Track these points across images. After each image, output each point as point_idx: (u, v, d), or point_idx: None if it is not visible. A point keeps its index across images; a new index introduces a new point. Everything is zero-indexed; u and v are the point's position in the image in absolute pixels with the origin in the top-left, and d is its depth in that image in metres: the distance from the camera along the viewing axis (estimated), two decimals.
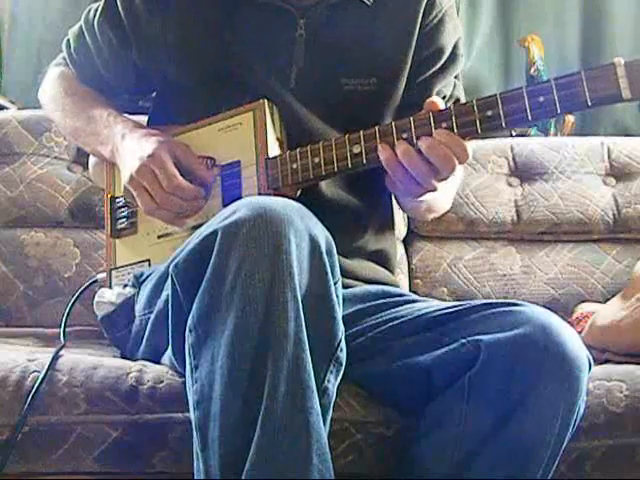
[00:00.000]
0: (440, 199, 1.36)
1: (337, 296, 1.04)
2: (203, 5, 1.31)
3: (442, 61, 1.35)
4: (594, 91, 1.04)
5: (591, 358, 1.09)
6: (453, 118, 1.11)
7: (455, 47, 1.36)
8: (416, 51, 1.32)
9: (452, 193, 1.45)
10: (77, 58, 1.42)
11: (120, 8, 1.34)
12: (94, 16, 1.38)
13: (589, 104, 1.05)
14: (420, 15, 1.32)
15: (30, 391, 1.15)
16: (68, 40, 1.44)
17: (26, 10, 2.31)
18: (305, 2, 1.29)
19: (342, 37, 1.30)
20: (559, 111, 1.07)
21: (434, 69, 1.35)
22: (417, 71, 1.34)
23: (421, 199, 1.22)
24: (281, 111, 1.27)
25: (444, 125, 1.11)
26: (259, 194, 1.22)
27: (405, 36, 1.32)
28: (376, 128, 1.15)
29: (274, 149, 1.25)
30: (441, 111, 1.12)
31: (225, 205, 1.22)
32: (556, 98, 1.06)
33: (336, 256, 1.05)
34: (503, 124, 1.09)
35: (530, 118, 1.08)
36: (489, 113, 1.09)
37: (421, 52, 1.33)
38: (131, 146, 1.26)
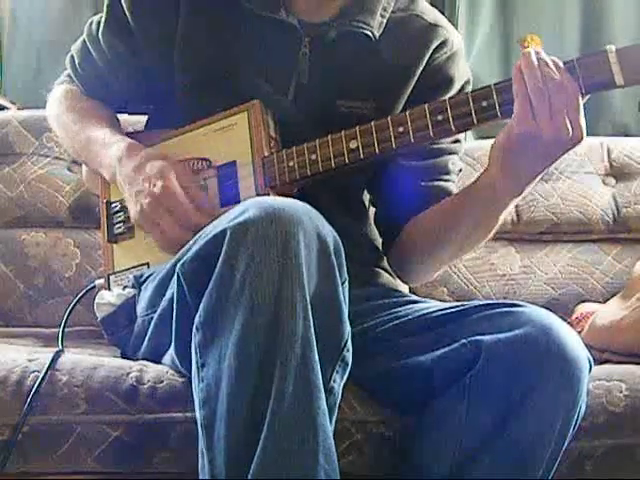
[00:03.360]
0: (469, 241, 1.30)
1: (344, 296, 1.04)
2: (211, 13, 1.30)
3: (447, 95, 1.29)
4: (587, 78, 1.05)
5: (591, 359, 1.09)
6: (449, 110, 1.11)
7: (462, 88, 1.35)
8: (419, 84, 1.31)
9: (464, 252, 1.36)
10: (82, 73, 1.41)
11: (126, 10, 1.33)
12: (97, 28, 1.38)
13: (582, 91, 1.05)
14: (430, 51, 1.32)
15: (30, 391, 1.15)
16: (72, 56, 1.43)
17: (26, 10, 2.31)
18: (312, 20, 1.29)
19: (345, 62, 1.29)
20: None
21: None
22: (418, 101, 1.25)
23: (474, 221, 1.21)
24: (274, 112, 1.27)
25: (440, 117, 1.11)
26: (257, 193, 1.21)
27: (408, 71, 1.31)
28: (372, 123, 1.15)
29: (269, 148, 1.24)
30: (436, 104, 1.12)
31: (223, 206, 1.23)
32: None
33: (343, 257, 1.05)
34: (499, 114, 1.09)
35: None
36: (484, 104, 1.09)
37: (425, 86, 1.31)
38: (130, 175, 1.23)
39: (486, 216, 1.22)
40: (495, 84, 1.10)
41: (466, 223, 1.25)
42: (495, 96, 1.09)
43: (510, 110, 1.08)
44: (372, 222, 1.42)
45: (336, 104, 1.29)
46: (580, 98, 1.06)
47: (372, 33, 1.29)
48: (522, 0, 2.35)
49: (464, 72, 1.36)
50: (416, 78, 1.32)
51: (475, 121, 1.10)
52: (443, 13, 1.45)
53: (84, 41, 1.41)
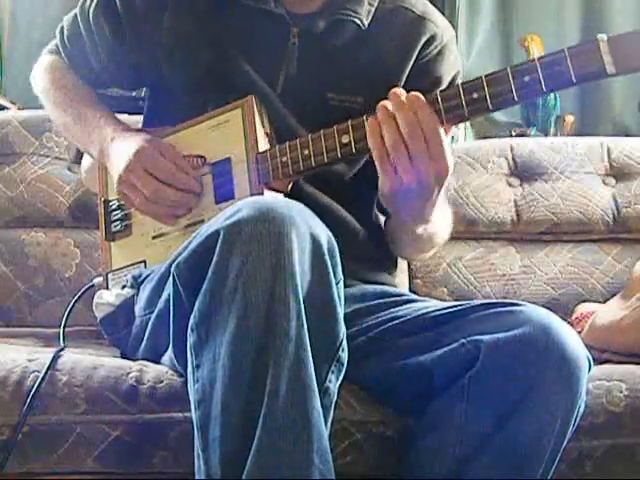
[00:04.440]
0: (430, 235, 1.32)
1: (339, 296, 1.04)
2: (198, 5, 1.31)
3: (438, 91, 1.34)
4: (578, 68, 1.04)
5: (591, 358, 1.09)
6: (440, 103, 1.10)
7: (453, 81, 1.36)
8: (411, 80, 1.31)
9: (441, 235, 1.38)
10: (70, 47, 1.42)
11: (118, 2, 1.34)
12: (90, 4, 1.38)
13: (574, 81, 1.04)
14: (418, 48, 1.32)
15: (30, 391, 1.15)
16: (62, 27, 1.44)
17: (26, 10, 2.32)
18: (300, 10, 1.29)
19: (334, 52, 1.30)
20: (544, 89, 1.06)
21: None
22: None
23: (418, 231, 1.23)
24: (267, 112, 1.28)
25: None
26: (251, 190, 1.22)
27: (398, 63, 1.32)
28: (364, 117, 1.15)
29: (263, 144, 1.25)
30: (427, 96, 1.11)
31: (217, 202, 1.23)
32: (541, 77, 1.05)
33: (338, 256, 1.05)
34: (490, 106, 1.09)
35: (516, 98, 1.07)
36: (475, 95, 1.09)
37: (417, 82, 1.30)
38: (119, 148, 1.27)
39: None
40: (486, 75, 1.09)
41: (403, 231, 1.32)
42: (486, 88, 1.08)
43: (501, 101, 1.08)
44: (372, 215, 1.41)
45: (326, 97, 1.29)
46: (441, 130, 1.08)
47: (361, 21, 1.30)
48: (522, 0, 2.36)
49: (453, 65, 1.37)
50: (405, 75, 1.32)
51: (466, 113, 1.09)
52: (443, 13, 1.44)
53: (75, 15, 1.42)
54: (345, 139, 1.16)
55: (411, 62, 1.32)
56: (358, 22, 1.29)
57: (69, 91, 1.40)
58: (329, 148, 1.18)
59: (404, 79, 1.32)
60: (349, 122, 1.16)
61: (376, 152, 1.10)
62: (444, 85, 1.34)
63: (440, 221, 1.29)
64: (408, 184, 1.09)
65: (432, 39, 1.33)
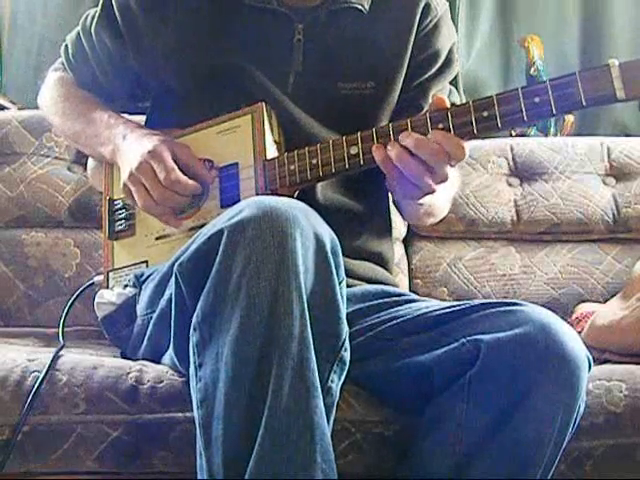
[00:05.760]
0: (438, 203, 1.36)
1: (342, 296, 1.04)
2: (200, 10, 1.32)
3: (438, 65, 1.37)
4: (589, 92, 1.05)
5: (591, 358, 1.09)
6: (449, 119, 1.11)
7: (450, 52, 1.38)
8: (412, 55, 1.34)
9: (450, 198, 1.44)
10: (75, 64, 1.44)
11: (117, 14, 1.35)
12: (91, 22, 1.40)
13: (584, 104, 1.06)
14: (416, 20, 1.34)
15: (30, 391, 1.15)
16: (66, 45, 1.46)
17: (26, 10, 2.31)
18: (302, 6, 1.30)
19: (339, 42, 1.31)
20: (554, 112, 1.08)
21: (430, 73, 1.36)
22: (413, 75, 1.35)
23: (420, 202, 1.23)
24: (278, 114, 1.28)
25: (440, 126, 1.11)
26: (257, 195, 1.22)
27: (401, 41, 1.33)
28: (373, 130, 1.16)
29: (272, 151, 1.25)
30: (438, 111, 1.12)
31: (223, 206, 1.24)
32: (551, 99, 1.07)
33: (341, 256, 1.05)
34: (499, 125, 1.10)
35: (525, 119, 1.09)
36: (485, 114, 1.10)
37: (417, 56, 1.34)
38: (132, 145, 1.27)
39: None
40: (497, 95, 1.10)
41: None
42: (496, 107, 1.09)
43: (511, 121, 1.10)
44: (378, 209, 1.41)
45: (337, 87, 1.30)
46: (464, 144, 1.10)
47: (362, 6, 1.31)
48: (522, 0, 2.35)
49: (449, 38, 1.39)
50: (408, 54, 1.34)
51: (475, 131, 1.11)
52: None
53: (78, 33, 1.43)
54: (354, 150, 1.17)
55: (413, 35, 1.34)
56: (360, 8, 1.31)
57: (79, 102, 1.41)
58: (337, 158, 1.18)
59: (409, 54, 1.33)
60: (359, 133, 1.17)
61: (397, 181, 1.13)
62: (442, 58, 1.37)
63: (441, 199, 1.31)
64: (434, 187, 1.13)
65: (427, 8, 1.35)
